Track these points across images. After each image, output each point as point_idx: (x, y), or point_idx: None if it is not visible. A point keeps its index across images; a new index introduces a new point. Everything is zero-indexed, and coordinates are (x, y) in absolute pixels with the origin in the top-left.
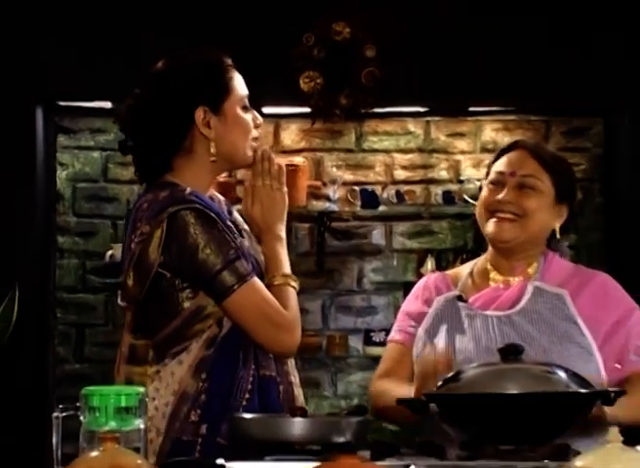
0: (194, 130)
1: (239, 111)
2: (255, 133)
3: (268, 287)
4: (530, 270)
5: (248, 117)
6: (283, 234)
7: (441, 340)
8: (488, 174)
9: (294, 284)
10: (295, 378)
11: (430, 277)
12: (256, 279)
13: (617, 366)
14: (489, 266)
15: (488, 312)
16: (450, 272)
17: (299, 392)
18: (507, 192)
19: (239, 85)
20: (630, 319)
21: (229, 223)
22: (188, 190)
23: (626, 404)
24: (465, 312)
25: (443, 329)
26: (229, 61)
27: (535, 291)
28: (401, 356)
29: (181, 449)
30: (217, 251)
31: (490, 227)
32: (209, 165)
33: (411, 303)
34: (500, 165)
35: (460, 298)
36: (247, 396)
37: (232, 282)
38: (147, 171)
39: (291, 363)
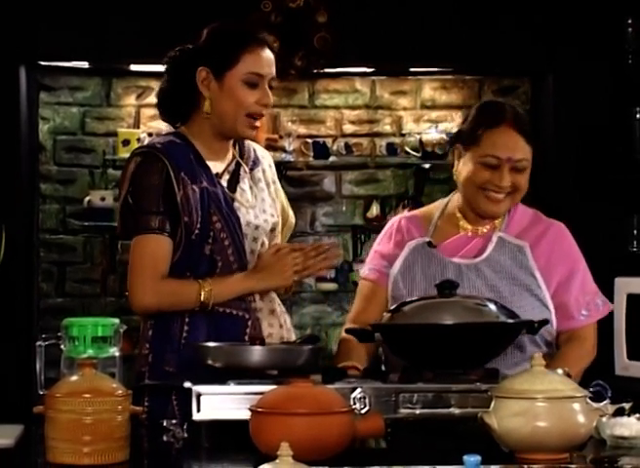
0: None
1: (239, 85)
2: (253, 109)
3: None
4: (496, 221)
5: (248, 93)
6: (255, 288)
7: (415, 284)
8: (465, 138)
9: (202, 292)
10: (267, 314)
11: (402, 219)
12: (152, 236)
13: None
14: (458, 214)
15: (456, 260)
16: (419, 213)
17: (272, 327)
18: (505, 177)
19: (254, 62)
20: (577, 274)
21: (202, 185)
22: (163, 140)
23: (575, 355)
24: (437, 259)
25: (418, 274)
26: (262, 39)
27: (499, 241)
28: (373, 294)
29: (138, 379)
30: (139, 197)
31: (483, 204)
32: (208, 122)
33: (384, 244)
34: (492, 147)
35: (429, 244)
36: (186, 328)
37: (136, 228)
38: (166, 115)
39: (267, 303)
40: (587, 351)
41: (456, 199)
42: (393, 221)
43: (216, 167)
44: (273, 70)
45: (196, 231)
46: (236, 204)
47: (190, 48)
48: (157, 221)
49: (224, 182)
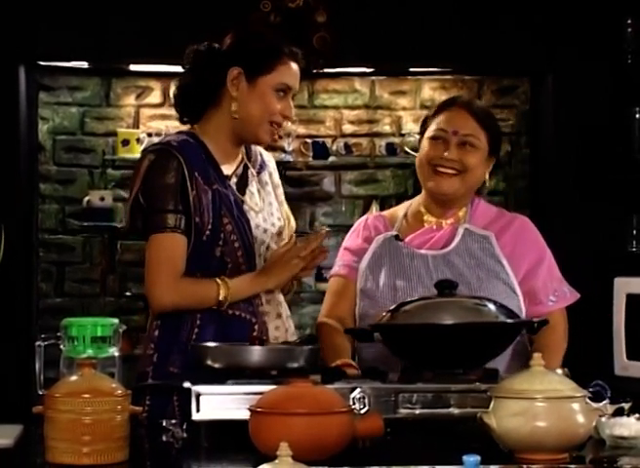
0: (226, 85)
1: (269, 91)
2: (277, 118)
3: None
4: (460, 214)
5: (277, 102)
6: (267, 284)
7: (383, 276)
8: (425, 127)
9: (221, 291)
10: (273, 318)
11: (369, 217)
12: (169, 235)
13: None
14: (422, 209)
15: (423, 251)
16: (386, 213)
17: (278, 330)
18: (451, 150)
19: (287, 74)
20: (544, 262)
21: (212, 186)
22: (177, 138)
23: (552, 345)
24: (404, 251)
25: (385, 266)
26: (295, 53)
27: (465, 232)
28: (344, 289)
29: (140, 379)
30: (154, 195)
31: (432, 181)
32: (230, 122)
33: (352, 241)
34: (442, 122)
35: (397, 238)
36: (196, 330)
37: (151, 226)
38: (184, 112)
39: (274, 307)
40: (561, 337)
41: (419, 198)
42: (360, 221)
43: (225, 169)
44: (297, 85)
45: (207, 232)
46: (245, 207)
47: (218, 46)
48: (173, 219)
49: (233, 185)
